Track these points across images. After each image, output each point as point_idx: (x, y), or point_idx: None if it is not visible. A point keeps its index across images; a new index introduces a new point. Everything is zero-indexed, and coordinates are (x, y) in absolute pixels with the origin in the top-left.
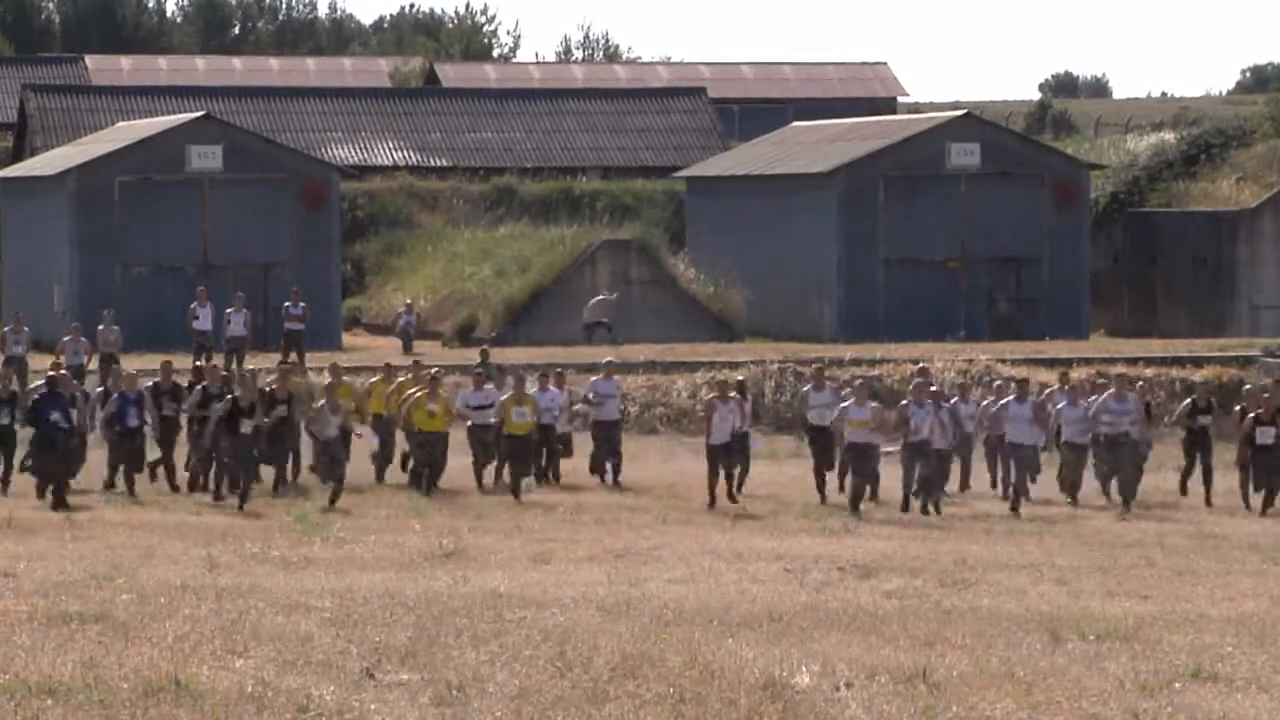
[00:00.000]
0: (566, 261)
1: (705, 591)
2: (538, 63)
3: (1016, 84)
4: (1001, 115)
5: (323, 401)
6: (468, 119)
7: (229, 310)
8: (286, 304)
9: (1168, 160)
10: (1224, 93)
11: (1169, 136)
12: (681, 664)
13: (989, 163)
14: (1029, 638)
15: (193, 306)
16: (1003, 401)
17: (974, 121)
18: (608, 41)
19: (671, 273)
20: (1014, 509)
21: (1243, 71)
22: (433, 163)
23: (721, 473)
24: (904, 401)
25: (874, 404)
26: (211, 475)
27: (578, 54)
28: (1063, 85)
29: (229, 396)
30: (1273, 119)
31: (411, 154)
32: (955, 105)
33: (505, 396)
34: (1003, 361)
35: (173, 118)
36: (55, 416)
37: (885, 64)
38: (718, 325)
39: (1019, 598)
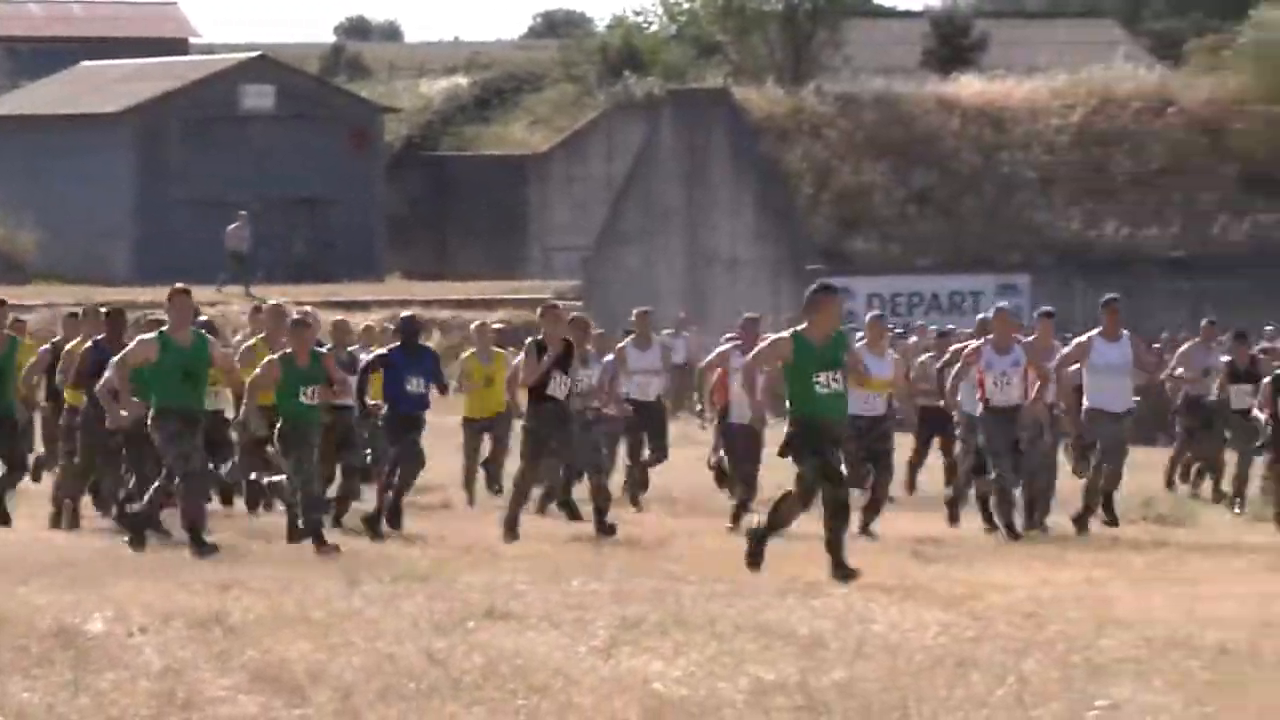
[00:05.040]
0: None
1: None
2: None
3: (311, 26)
4: (296, 58)
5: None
6: None
7: None
8: None
9: (461, 104)
10: (516, 38)
11: (462, 80)
12: None
13: (283, 105)
14: (326, 581)
15: None
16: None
17: (268, 63)
18: None
19: None
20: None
21: (534, 17)
22: None
23: None
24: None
25: (893, 353)
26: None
27: None
28: (356, 28)
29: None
30: (564, 64)
31: None
32: (250, 47)
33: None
34: (300, 304)
35: None
36: (414, 383)
37: (175, 4)
38: (8, 267)
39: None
